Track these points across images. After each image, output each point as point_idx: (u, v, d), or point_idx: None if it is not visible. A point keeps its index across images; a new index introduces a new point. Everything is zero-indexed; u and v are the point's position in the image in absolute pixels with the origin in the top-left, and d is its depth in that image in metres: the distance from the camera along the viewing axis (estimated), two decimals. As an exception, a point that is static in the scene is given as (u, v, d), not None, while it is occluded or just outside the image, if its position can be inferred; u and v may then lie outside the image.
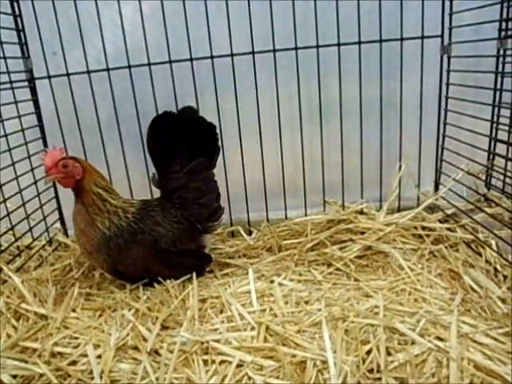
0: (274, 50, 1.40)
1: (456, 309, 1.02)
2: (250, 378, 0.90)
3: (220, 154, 1.30)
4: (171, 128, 1.20)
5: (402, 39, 1.40)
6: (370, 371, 0.88)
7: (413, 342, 0.94)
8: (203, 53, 1.39)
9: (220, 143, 1.28)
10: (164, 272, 1.20)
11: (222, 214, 1.30)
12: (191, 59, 1.40)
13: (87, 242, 1.17)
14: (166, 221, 1.21)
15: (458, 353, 0.88)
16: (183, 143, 1.21)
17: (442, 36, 1.40)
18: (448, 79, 1.43)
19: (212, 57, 1.39)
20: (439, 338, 0.94)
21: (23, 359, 0.96)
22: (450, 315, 1.00)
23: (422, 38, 1.39)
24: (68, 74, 1.42)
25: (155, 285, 1.21)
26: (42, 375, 0.92)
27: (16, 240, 1.39)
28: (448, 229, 1.37)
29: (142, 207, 1.23)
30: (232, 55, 1.39)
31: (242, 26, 1.36)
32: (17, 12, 1.39)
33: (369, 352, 0.92)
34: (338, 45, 1.40)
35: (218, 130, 1.26)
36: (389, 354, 0.92)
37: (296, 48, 1.40)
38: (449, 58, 1.41)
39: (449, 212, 1.44)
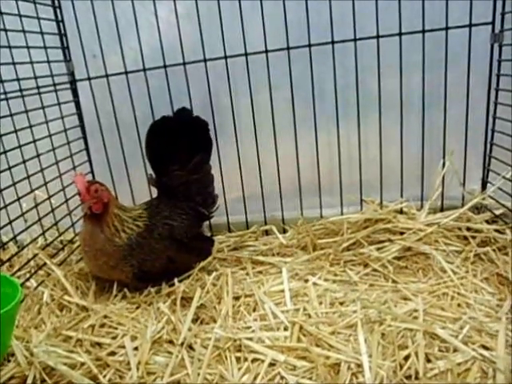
0: (310, 45, 1.37)
1: (504, 316, 0.96)
2: (282, 377, 0.89)
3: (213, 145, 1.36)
4: (168, 131, 1.27)
5: (447, 28, 1.32)
6: (408, 377, 0.85)
7: (455, 350, 0.89)
8: (237, 50, 1.39)
9: (211, 135, 1.34)
10: (184, 258, 1.26)
11: (217, 201, 1.39)
12: (225, 57, 1.40)
13: (109, 259, 1.18)
14: (174, 214, 1.28)
15: (506, 364, 0.83)
16: (181, 143, 1.28)
17: (492, 23, 1.30)
18: (499, 70, 1.33)
19: (246, 54, 1.39)
20: (485, 347, 0.88)
21: (66, 348, 1.00)
22: (498, 323, 0.94)
23: (470, 25, 1.31)
24: (107, 76, 1.46)
25: (191, 281, 1.22)
26: (83, 364, 0.95)
27: (60, 235, 1.46)
28: (496, 230, 1.29)
29: (147, 208, 1.28)
30: (266, 51, 1.38)
31: (276, 22, 1.35)
32: (59, 18, 1.45)
33: (407, 358, 0.88)
34: (377, 37, 1.34)
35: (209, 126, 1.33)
36: (428, 360, 0.87)
37: (332, 42, 1.36)
38: (500, 46, 1.32)
39: (497, 212, 1.35)
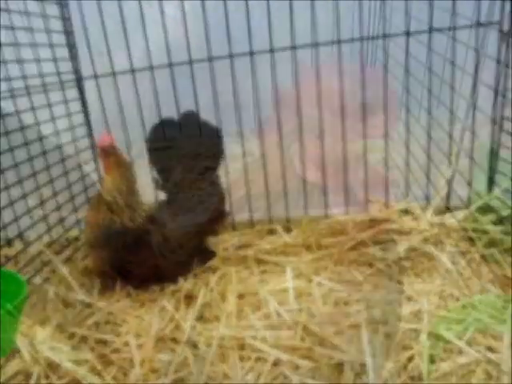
0: (317, 44, 1.36)
1: (510, 318, 0.95)
2: (286, 376, 0.89)
3: (224, 156, 1.34)
4: (171, 134, 1.25)
5: (454, 28, 1.31)
6: (412, 378, 0.84)
7: (459, 351, 0.88)
8: (243, 49, 1.38)
9: (224, 146, 1.31)
10: (172, 269, 1.21)
11: (227, 217, 1.33)
12: (231, 56, 1.40)
13: (89, 226, 1.20)
14: (172, 223, 1.23)
15: (510, 366, 0.82)
16: (184, 148, 1.26)
17: (500, 23, 1.29)
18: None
19: (251, 53, 1.39)
20: (489, 349, 0.88)
21: (70, 344, 1.01)
22: (503, 325, 0.94)
23: (478, 25, 1.30)
24: (114, 74, 1.46)
25: (196, 279, 1.22)
26: (87, 360, 0.96)
27: (65, 232, 1.47)
28: (503, 232, 1.28)
29: (152, 211, 1.24)
30: (272, 51, 1.38)
31: (282, 20, 1.34)
32: (66, 15, 1.46)
33: (411, 358, 0.88)
34: (384, 37, 1.34)
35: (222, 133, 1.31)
36: (432, 361, 0.87)
37: (338, 41, 1.35)
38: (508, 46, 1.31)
39: (504, 214, 1.34)
